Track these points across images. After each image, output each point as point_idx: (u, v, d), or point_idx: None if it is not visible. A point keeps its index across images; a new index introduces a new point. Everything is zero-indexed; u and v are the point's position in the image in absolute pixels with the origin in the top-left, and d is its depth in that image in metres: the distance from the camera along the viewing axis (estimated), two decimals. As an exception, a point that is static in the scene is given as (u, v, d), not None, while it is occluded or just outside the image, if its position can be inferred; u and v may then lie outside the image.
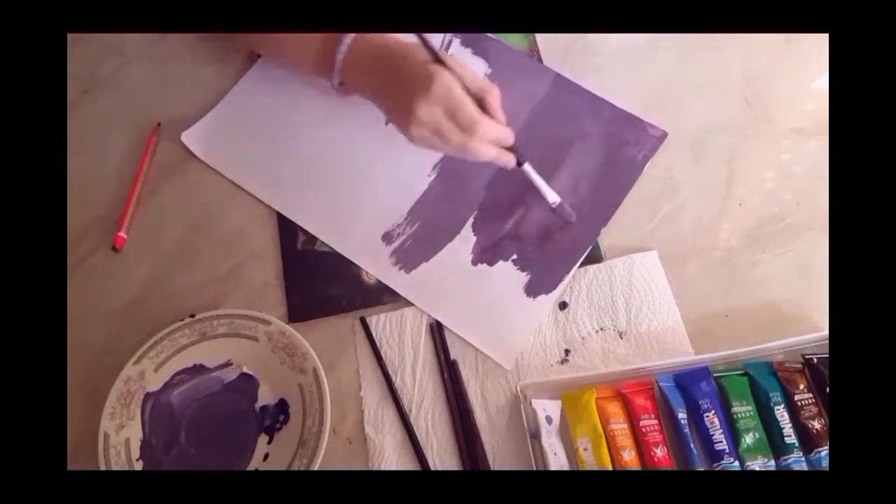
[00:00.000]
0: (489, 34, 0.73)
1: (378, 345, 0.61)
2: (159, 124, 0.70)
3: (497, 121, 0.57)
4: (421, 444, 0.57)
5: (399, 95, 0.56)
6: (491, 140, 0.57)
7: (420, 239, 0.64)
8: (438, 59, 0.55)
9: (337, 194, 0.66)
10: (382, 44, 0.59)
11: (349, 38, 0.59)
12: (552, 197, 0.62)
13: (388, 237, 0.64)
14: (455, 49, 0.73)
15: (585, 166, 0.66)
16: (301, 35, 0.61)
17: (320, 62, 0.61)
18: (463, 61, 0.56)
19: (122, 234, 0.65)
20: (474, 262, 0.63)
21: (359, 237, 0.64)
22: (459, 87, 0.54)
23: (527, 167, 0.61)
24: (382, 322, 0.62)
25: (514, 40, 0.74)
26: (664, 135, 0.67)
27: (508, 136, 0.58)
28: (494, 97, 0.57)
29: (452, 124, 0.55)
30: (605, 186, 0.65)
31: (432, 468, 0.56)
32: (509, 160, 0.59)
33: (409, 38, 0.57)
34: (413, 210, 0.65)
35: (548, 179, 0.63)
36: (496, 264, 0.62)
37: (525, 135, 0.66)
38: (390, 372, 0.60)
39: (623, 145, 0.67)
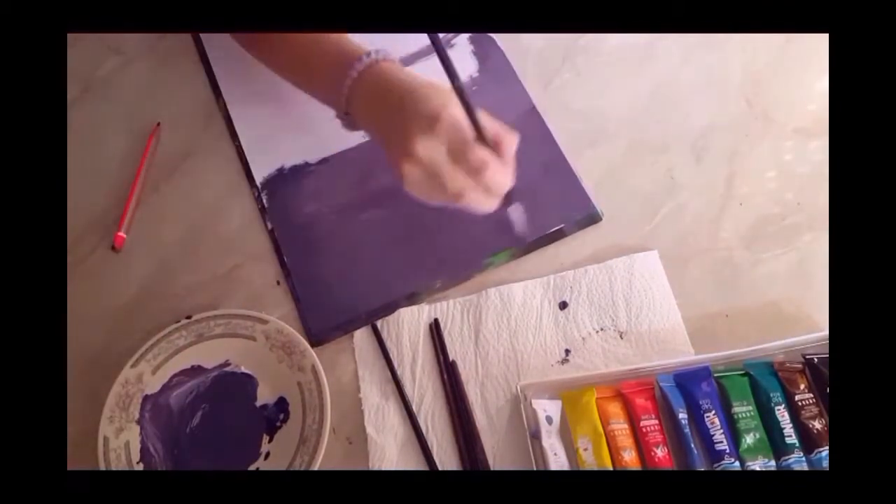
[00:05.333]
0: (498, 42, 0.73)
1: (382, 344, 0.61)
2: (159, 124, 0.70)
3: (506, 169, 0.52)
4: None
5: (399, 129, 0.50)
6: (494, 188, 0.51)
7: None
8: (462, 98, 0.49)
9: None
10: (394, 76, 0.54)
11: (362, 65, 0.54)
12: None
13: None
14: (460, 41, 0.73)
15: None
16: (317, 60, 0.58)
17: (330, 89, 0.57)
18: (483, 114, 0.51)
19: (122, 233, 0.65)
20: None
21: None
22: (468, 127, 0.49)
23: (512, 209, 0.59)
24: (380, 324, 0.61)
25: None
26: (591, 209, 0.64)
27: (509, 184, 0.53)
28: (510, 144, 0.51)
29: (454, 166, 0.49)
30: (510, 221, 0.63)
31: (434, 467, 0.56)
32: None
33: (425, 77, 0.52)
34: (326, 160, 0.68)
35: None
36: None
37: None
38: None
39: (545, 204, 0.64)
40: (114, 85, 0.73)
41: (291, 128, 0.69)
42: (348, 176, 0.68)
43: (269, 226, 0.66)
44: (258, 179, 0.67)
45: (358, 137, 0.69)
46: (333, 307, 0.62)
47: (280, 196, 0.67)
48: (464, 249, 0.64)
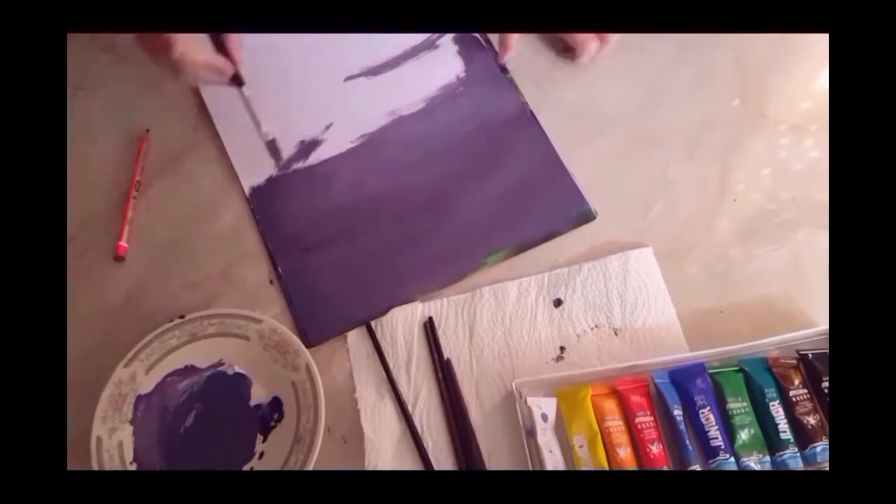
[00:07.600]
0: (482, 42, 0.73)
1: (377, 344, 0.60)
2: (148, 130, 0.69)
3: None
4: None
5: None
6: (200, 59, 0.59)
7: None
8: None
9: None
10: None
11: None
12: (266, 128, 0.64)
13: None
14: (445, 42, 0.73)
15: (497, 197, 0.66)
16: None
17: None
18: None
19: (124, 243, 0.64)
20: None
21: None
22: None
23: (245, 91, 0.62)
24: (374, 323, 0.61)
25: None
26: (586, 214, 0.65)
27: (223, 63, 0.60)
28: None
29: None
30: (504, 221, 0.65)
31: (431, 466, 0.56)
32: (225, 70, 0.60)
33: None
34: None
35: (462, 193, 0.65)
36: None
37: (464, 141, 0.68)
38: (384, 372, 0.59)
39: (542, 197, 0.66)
40: (105, 83, 0.72)
41: (279, 136, 0.68)
42: (338, 182, 0.67)
43: (261, 228, 0.65)
44: (247, 189, 0.67)
45: (346, 144, 0.68)
46: (326, 312, 0.62)
47: (270, 205, 0.66)
48: (459, 252, 0.64)
